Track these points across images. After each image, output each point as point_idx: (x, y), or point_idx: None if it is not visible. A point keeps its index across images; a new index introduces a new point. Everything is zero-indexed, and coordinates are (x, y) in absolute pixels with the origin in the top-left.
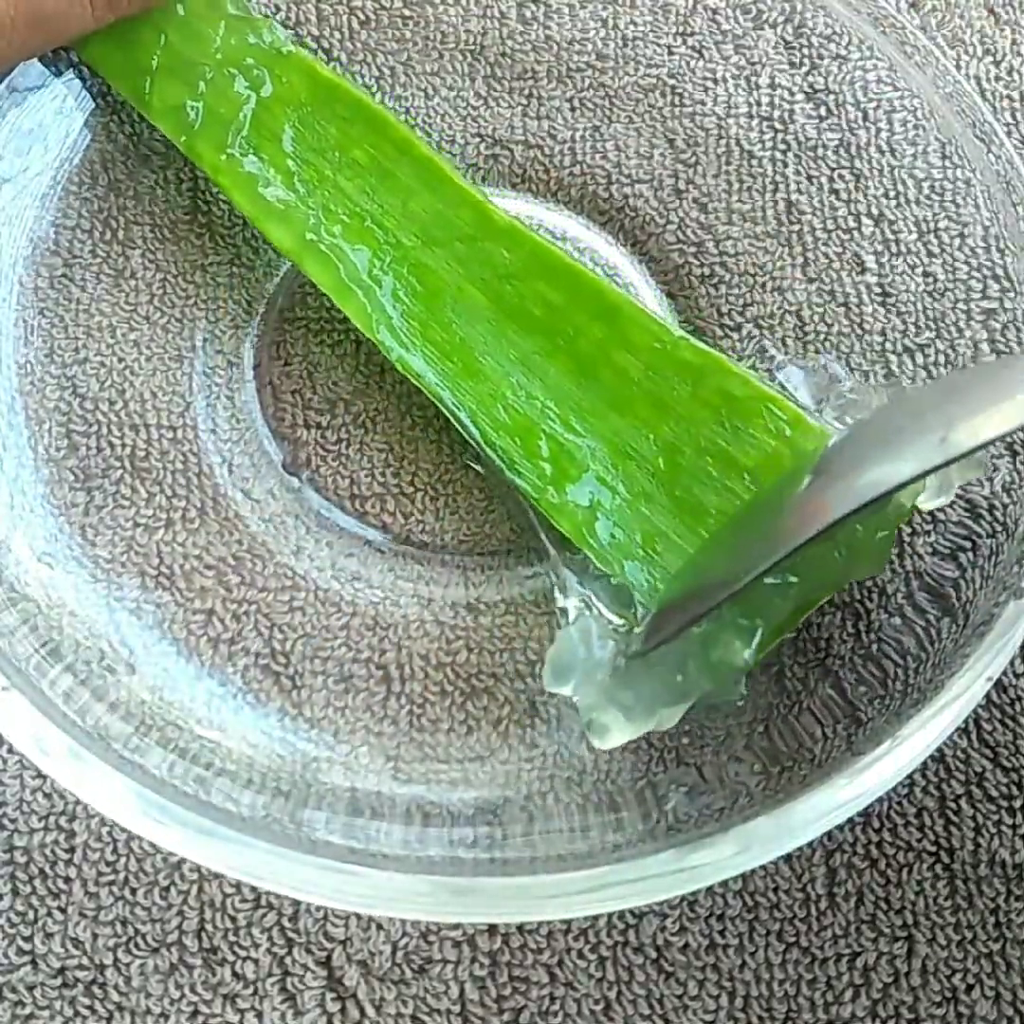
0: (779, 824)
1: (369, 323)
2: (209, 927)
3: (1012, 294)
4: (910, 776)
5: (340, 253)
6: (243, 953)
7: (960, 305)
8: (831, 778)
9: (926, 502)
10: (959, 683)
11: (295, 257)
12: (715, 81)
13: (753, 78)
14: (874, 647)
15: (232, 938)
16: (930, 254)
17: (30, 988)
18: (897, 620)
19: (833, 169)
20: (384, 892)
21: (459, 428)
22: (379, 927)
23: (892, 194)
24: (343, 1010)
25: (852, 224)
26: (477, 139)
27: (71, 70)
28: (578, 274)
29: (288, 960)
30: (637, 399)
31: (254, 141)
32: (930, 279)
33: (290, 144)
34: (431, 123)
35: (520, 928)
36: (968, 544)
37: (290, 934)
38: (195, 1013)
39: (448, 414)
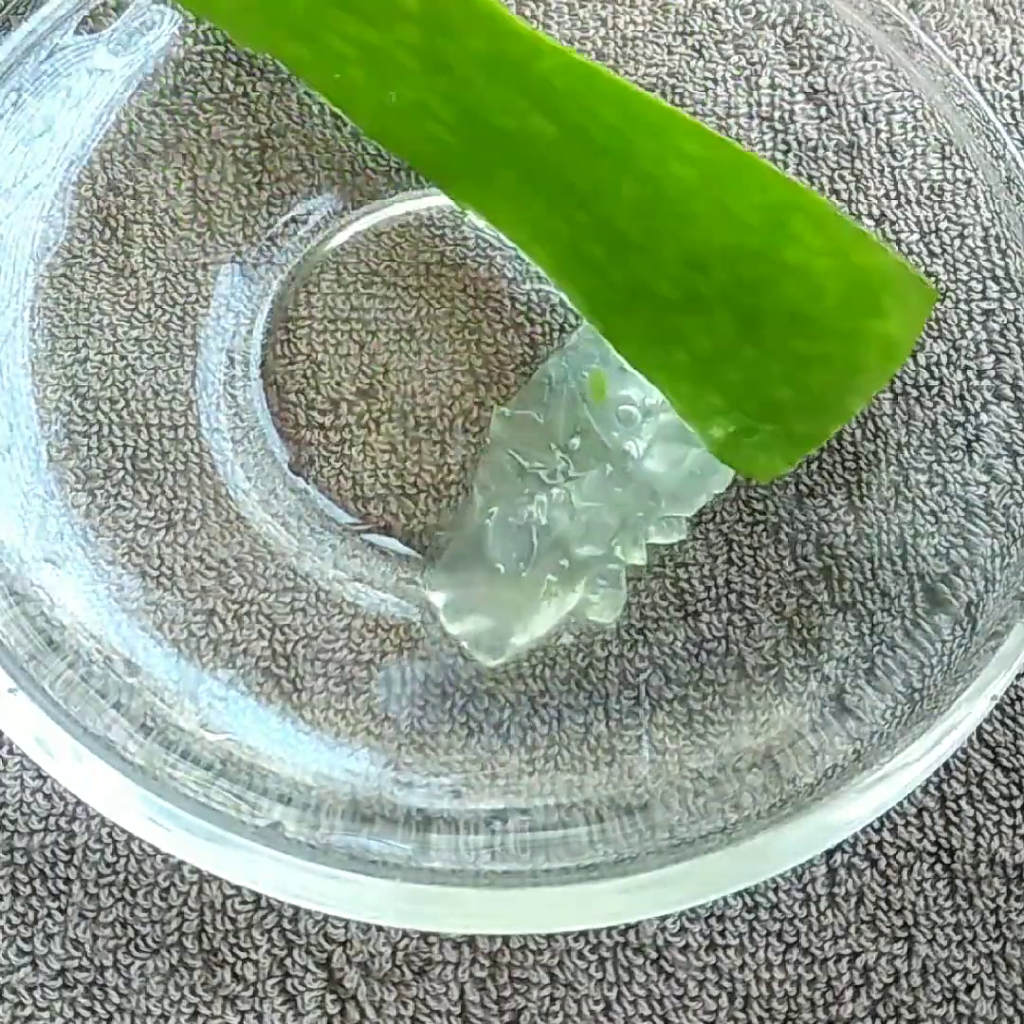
0: (784, 841)
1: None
2: (209, 929)
3: (1013, 294)
4: None
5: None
6: (243, 955)
7: (961, 305)
8: (836, 794)
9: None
10: (969, 697)
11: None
12: (715, 81)
13: (753, 78)
14: (876, 650)
15: (232, 940)
16: (931, 254)
17: (30, 989)
18: (897, 622)
19: (834, 169)
20: (385, 903)
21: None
22: (379, 929)
23: (893, 195)
24: (343, 1012)
25: None
26: None
27: None
28: (624, 89)
29: (288, 962)
30: (696, 207)
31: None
32: (932, 279)
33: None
34: None
35: None
36: (971, 546)
37: (290, 936)
38: (195, 1014)
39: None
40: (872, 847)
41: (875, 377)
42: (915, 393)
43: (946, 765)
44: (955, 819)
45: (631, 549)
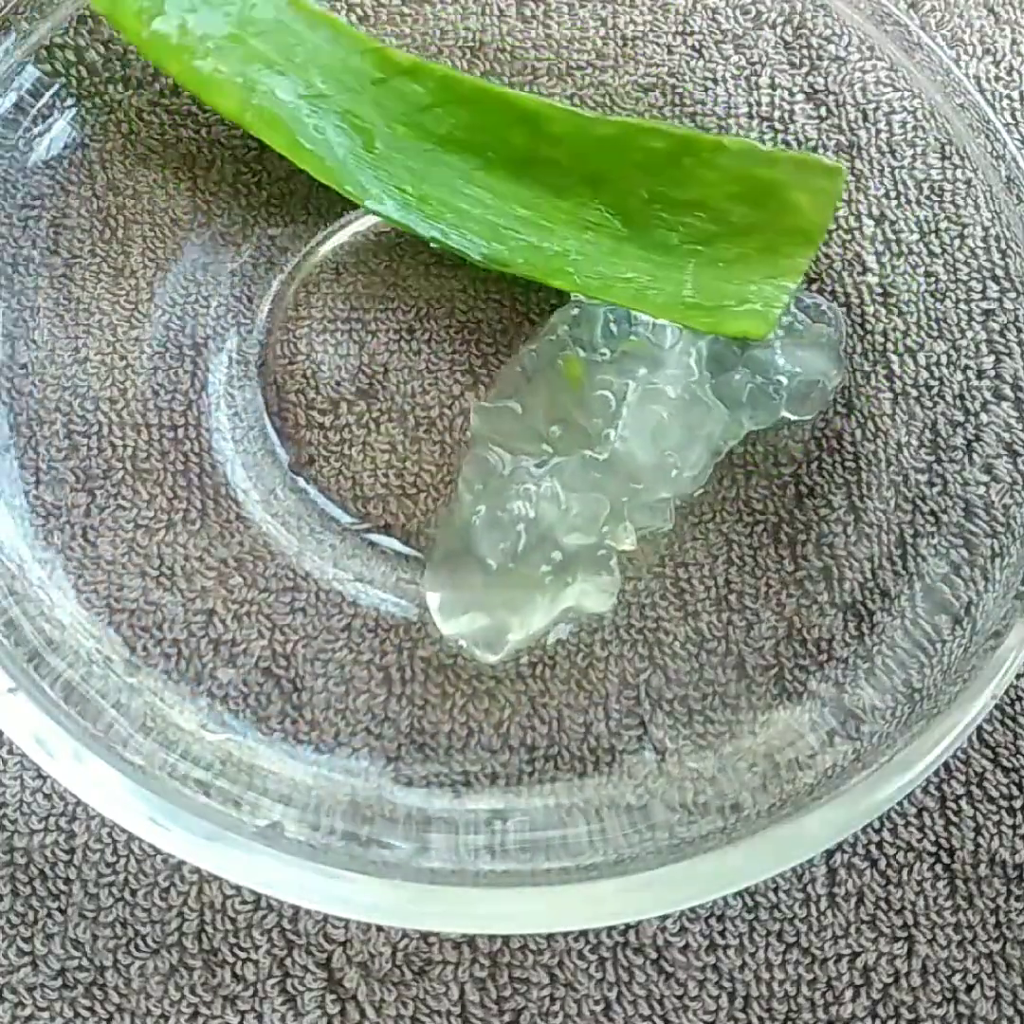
0: (783, 841)
1: (330, 175)
2: (209, 929)
3: (1013, 294)
4: None
5: (280, 111)
6: (243, 955)
7: (961, 305)
8: (836, 794)
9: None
10: (969, 697)
11: (244, 123)
12: (715, 81)
13: (753, 78)
14: (876, 650)
15: (232, 940)
16: (931, 254)
17: (30, 989)
18: (897, 621)
19: None
20: (385, 903)
21: (434, 242)
22: (379, 929)
23: (893, 194)
24: (343, 1012)
25: (853, 224)
26: None
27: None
28: (487, 91)
29: (288, 962)
30: (575, 181)
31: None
32: (932, 279)
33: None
34: None
35: None
36: (971, 545)
37: (290, 936)
38: (195, 1015)
39: (420, 237)
40: (872, 847)
41: (800, 255)
42: (915, 393)
43: (946, 765)
44: (955, 819)
45: (620, 535)
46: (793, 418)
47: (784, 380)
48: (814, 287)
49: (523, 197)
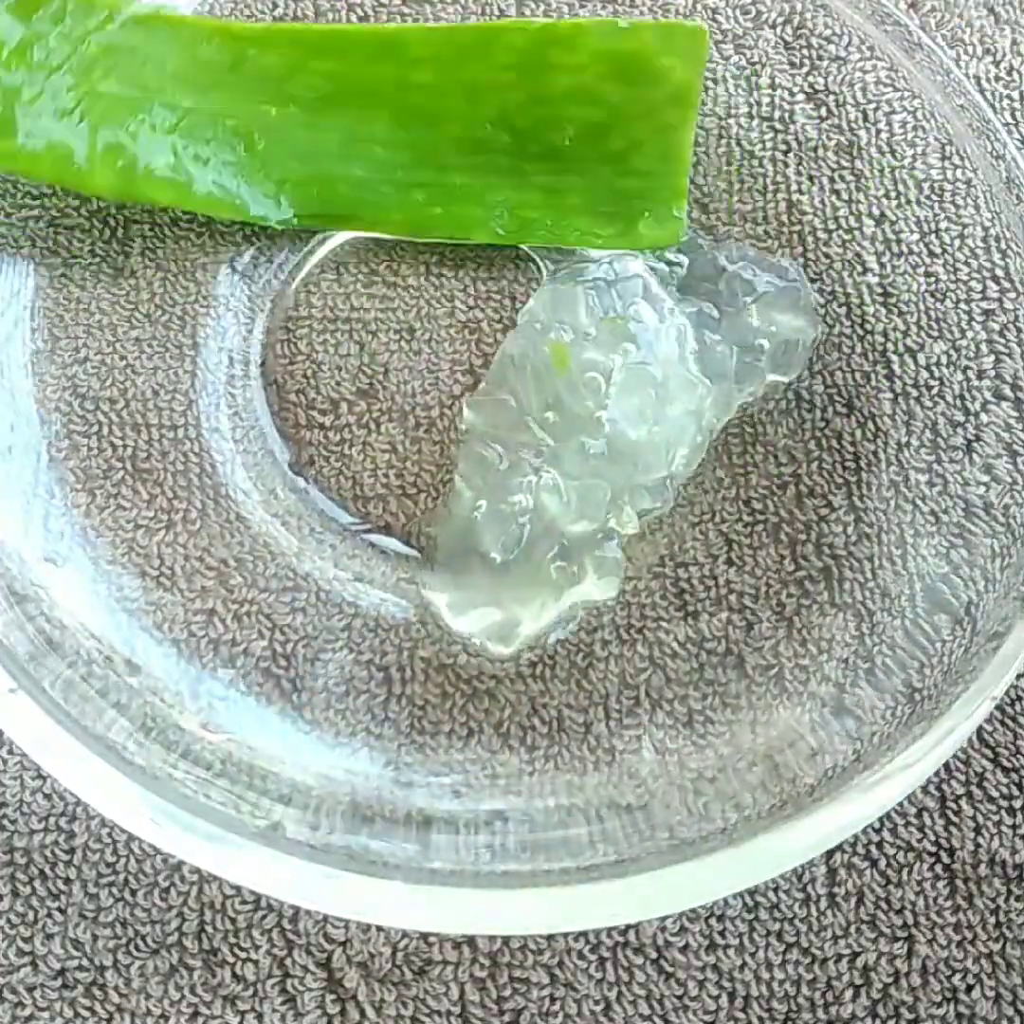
0: (784, 842)
1: (233, 208)
2: (209, 929)
3: (1013, 294)
4: None
5: (157, 158)
6: (243, 955)
7: (961, 305)
8: (836, 794)
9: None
10: (969, 698)
11: (129, 195)
12: (715, 81)
13: (753, 78)
14: (876, 650)
15: (232, 940)
16: (931, 254)
17: (30, 989)
18: (897, 621)
19: (834, 169)
20: (385, 903)
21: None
22: (379, 929)
23: (893, 194)
24: (343, 1012)
25: (853, 224)
26: None
27: None
28: (340, 33)
29: (288, 962)
30: (453, 101)
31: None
32: (932, 279)
33: (37, 83)
34: None
35: None
36: (971, 545)
37: (290, 936)
38: (195, 1014)
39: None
40: (872, 847)
41: (683, 122)
42: (915, 393)
43: (946, 765)
44: (955, 819)
45: (623, 519)
46: (783, 380)
47: (765, 344)
48: (814, 286)
49: (410, 138)
